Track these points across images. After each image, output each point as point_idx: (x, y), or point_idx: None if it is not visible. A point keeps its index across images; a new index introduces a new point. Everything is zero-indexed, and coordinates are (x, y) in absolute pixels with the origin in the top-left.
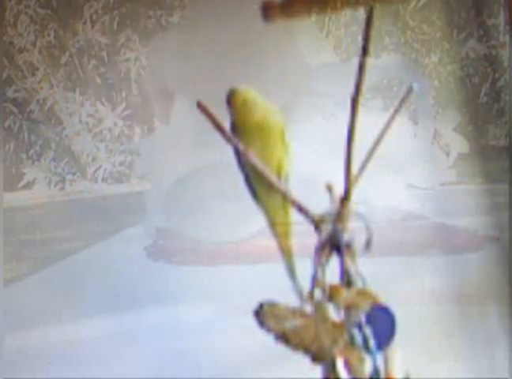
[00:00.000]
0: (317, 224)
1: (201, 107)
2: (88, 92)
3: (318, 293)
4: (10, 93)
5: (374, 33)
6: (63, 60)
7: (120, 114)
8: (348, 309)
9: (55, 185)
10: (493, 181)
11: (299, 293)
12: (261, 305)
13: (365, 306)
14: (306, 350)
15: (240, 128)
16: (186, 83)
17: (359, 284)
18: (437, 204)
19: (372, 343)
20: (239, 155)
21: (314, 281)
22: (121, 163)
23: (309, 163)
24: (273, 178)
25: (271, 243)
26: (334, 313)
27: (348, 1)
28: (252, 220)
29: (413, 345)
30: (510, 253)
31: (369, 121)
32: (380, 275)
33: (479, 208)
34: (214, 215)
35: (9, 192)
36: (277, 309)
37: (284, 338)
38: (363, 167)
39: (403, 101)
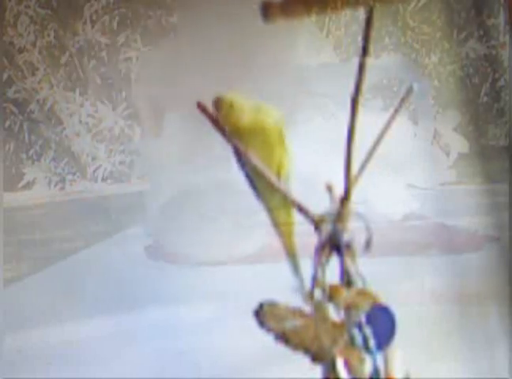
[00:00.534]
0: (317, 224)
1: (201, 108)
2: (88, 92)
3: (318, 293)
4: (11, 94)
5: (374, 33)
6: (63, 60)
7: (120, 114)
8: (348, 309)
9: (55, 185)
10: (493, 182)
11: (303, 292)
12: (261, 305)
13: (365, 306)
14: (306, 350)
15: (233, 133)
16: (177, 93)
17: (359, 284)
18: (437, 204)
19: (372, 343)
20: (239, 156)
21: (314, 281)
22: (121, 163)
23: (309, 163)
24: (273, 178)
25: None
26: (334, 313)
27: (348, 1)
28: (247, 242)
29: (413, 345)
30: (510, 253)
31: (369, 121)
32: (380, 275)
33: (479, 208)
34: (210, 233)
35: (9, 192)
36: (277, 309)
37: (284, 338)
38: (363, 167)
39: (403, 101)
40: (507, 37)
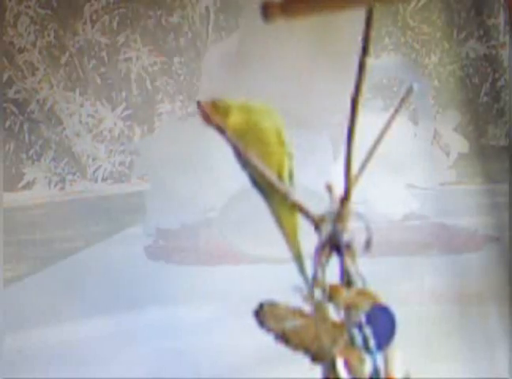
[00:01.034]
0: (317, 224)
1: (200, 108)
2: (88, 92)
3: (318, 293)
4: (11, 94)
5: (374, 33)
6: (63, 60)
7: (120, 115)
8: (348, 309)
9: (55, 185)
10: (493, 182)
11: (308, 291)
12: (261, 305)
13: (365, 306)
14: (306, 350)
15: (230, 134)
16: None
17: (359, 284)
18: (437, 204)
19: (372, 343)
20: (239, 156)
21: (314, 281)
22: (121, 163)
23: (309, 164)
24: (274, 178)
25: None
26: (334, 313)
27: (348, 1)
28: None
29: (413, 345)
30: (510, 253)
31: (369, 122)
32: (380, 275)
33: (479, 208)
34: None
35: (9, 192)
36: (277, 309)
37: (284, 338)
38: (363, 167)
39: (403, 101)
40: (507, 37)
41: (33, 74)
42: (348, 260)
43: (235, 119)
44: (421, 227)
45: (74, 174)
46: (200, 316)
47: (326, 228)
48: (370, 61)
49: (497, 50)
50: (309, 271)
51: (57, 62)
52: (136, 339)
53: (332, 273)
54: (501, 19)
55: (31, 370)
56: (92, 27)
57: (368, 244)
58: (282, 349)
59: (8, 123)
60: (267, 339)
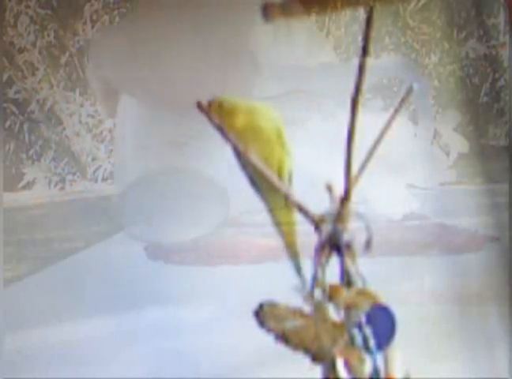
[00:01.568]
0: (317, 224)
1: (200, 107)
2: (88, 92)
3: (318, 293)
4: (11, 94)
5: (374, 33)
6: (63, 60)
7: None
8: (348, 309)
9: (55, 185)
10: (493, 182)
11: (305, 292)
12: (261, 305)
13: (365, 306)
14: (306, 350)
15: (230, 134)
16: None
17: (359, 284)
18: (437, 204)
19: (372, 343)
20: (239, 155)
21: (314, 281)
22: None
23: (309, 163)
24: (274, 178)
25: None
26: (334, 313)
27: (348, 1)
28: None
29: (413, 345)
30: (510, 253)
31: (369, 121)
32: (380, 275)
33: (479, 208)
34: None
35: (9, 192)
36: (277, 309)
37: (284, 338)
38: (363, 167)
39: (403, 101)
40: (507, 37)
41: (33, 74)
42: (348, 260)
43: (239, 119)
44: (421, 227)
45: (74, 174)
46: (200, 316)
47: (326, 228)
48: (370, 61)
49: (497, 50)
50: (305, 271)
51: (57, 62)
52: (136, 339)
53: (332, 273)
54: (501, 19)
55: (31, 370)
56: (92, 27)
57: (368, 244)
58: (282, 349)
59: (8, 123)
60: (267, 339)
